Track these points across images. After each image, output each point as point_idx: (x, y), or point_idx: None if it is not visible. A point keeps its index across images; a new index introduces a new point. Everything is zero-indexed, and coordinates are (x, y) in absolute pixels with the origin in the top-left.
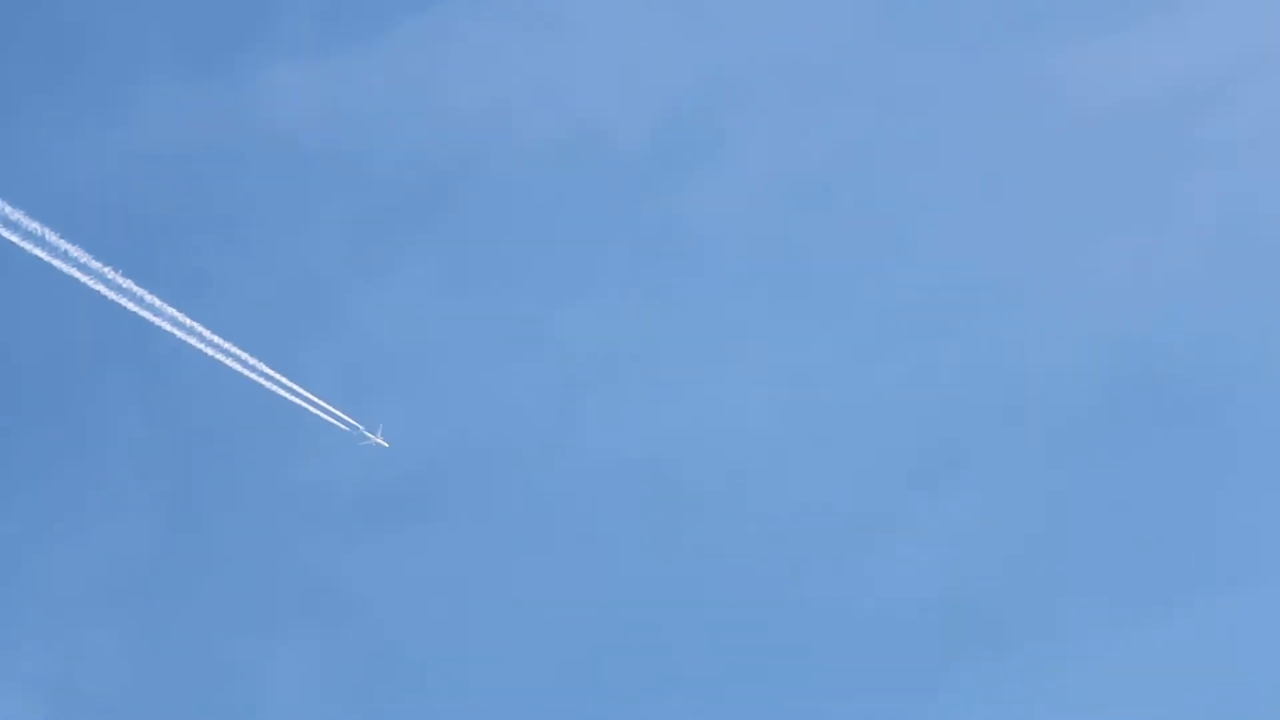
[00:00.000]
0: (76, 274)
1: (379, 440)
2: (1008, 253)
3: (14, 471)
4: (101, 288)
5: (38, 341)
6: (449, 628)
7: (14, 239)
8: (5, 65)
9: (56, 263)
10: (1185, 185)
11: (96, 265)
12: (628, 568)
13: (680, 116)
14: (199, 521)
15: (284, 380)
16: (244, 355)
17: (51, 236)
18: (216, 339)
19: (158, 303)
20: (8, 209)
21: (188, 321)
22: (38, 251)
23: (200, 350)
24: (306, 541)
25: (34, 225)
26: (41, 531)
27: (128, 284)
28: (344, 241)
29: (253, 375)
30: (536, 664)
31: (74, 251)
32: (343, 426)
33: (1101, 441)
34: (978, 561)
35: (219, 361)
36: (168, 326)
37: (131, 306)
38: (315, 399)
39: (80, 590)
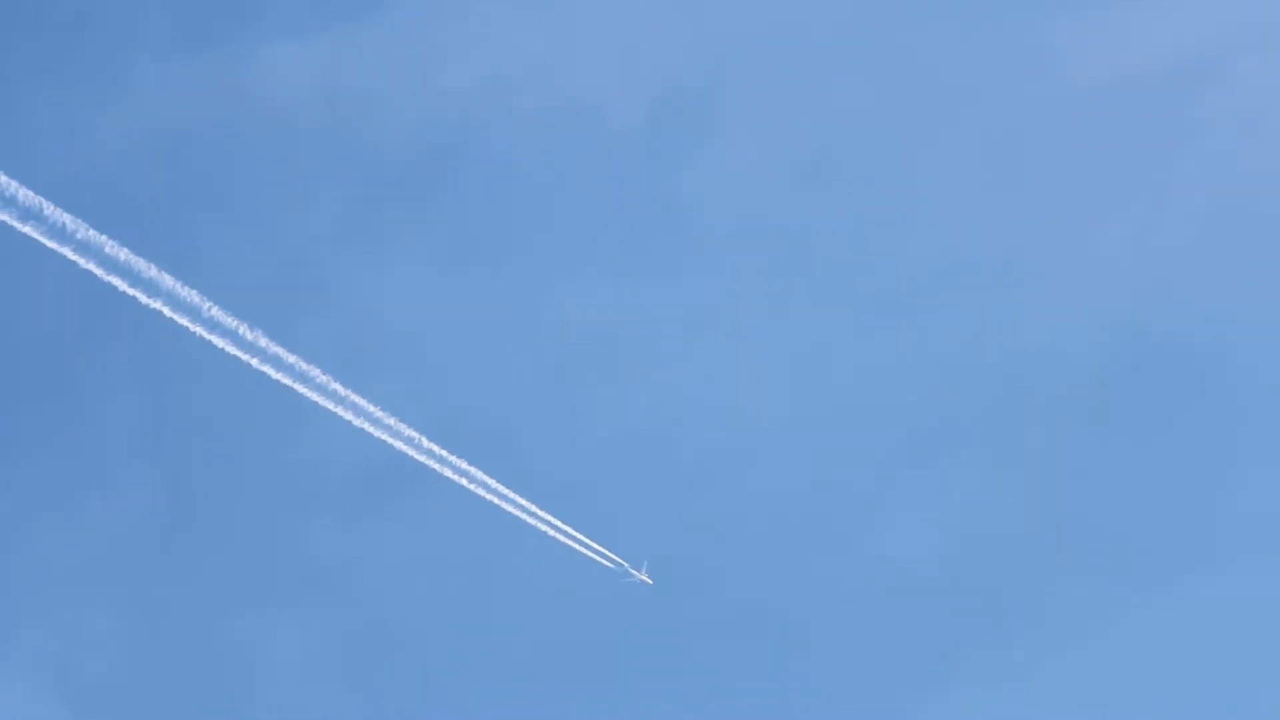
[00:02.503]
0: (68, 253)
1: (643, 577)
2: (1005, 229)
3: (11, 452)
4: (93, 266)
5: (33, 320)
6: (446, 606)
7: (10, 216)
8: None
9: (52, 243)
10: (1183, 160)
11: (94, 237)
12: (625, 545)
13: (676, 93)
14: (196, 501)
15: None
16: (248, 336)
17: (48, 210)
18: (216, 314)
19: (154, 273)
20: (4, 182)
21: (184, 293)
22: (31, 228)
23: (201, 328)
24: (304, 520)
25: (30, 201)
26: (38, 513)
27: (125, 254)
28: (340, 219)
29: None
30: (534, 642)
31: (70, 226)
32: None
33: (1099, 419)
34: (976, 540)
35: (221, 339)
36: (160, 305)
37: (124, 286)
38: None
39: (78, 571)
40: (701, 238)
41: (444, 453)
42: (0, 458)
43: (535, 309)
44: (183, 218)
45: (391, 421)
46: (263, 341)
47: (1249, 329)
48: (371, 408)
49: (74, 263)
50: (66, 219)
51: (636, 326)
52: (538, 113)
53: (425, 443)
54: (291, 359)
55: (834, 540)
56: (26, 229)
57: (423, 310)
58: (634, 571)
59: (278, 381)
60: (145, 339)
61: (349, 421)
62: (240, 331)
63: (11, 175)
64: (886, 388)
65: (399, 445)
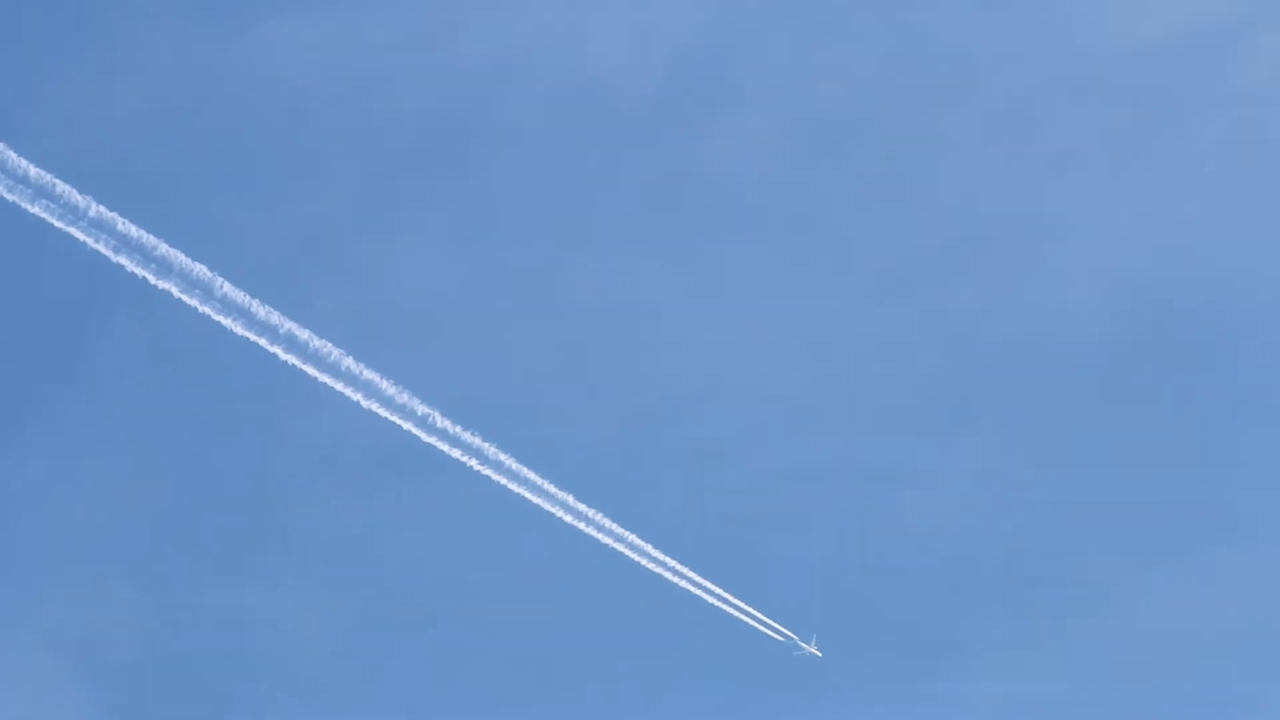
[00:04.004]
0: (77, 232)
1: (813, 650)
2: (1022, 197)
3: (24, 433)
4: (102, 246)
5: (47, 299)
6: (463, 586)
7: (21, 192)
8: (6, 19)
9: (58, 223)
10: (1201, 129)
11: (104, 214)
12: (641, 519)
13: (692, 63)
14: (212, 480)
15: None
16: (261, 314)
17: (61, 187)
18: (229, 291)
19: (164, 250)
20: (15, 160)
21: (195, 271)
22: (40, 208)
23: (213, 306)
24: (321, 499)
25: (40, 179)
26: (54, 488)
27: (135, 232)
28: (353, 196)
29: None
30: (548, 617)
31: (81, 202)
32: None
33: (1117, 388)
34: (992, 511)
35: (235, 318)
36: (171, 284)
37: (133, 266)
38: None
39: (91, 551)
40: (718, 208)
41: (459, 430)
42: (13, 438)
43: (551, 283)
44: (193, 196)
45: (406, 399)
46: (275, 318)
47: (1266, 299)
48: (386, 385)
49: (83, 242)
50: (76, 197)
51: (654, 298)
52: (552, 84)
53: (440, 420)
54: (305, 335)
55: (852, 512)
56: (36, 209)
57: (439, 283)
58: (804, 645)
59: (292, 359)
60: (158, 318)
61: (364, 399)
62: (254, 309)
63: (23, 151)
64: (905, 356)
65: (414, 424)
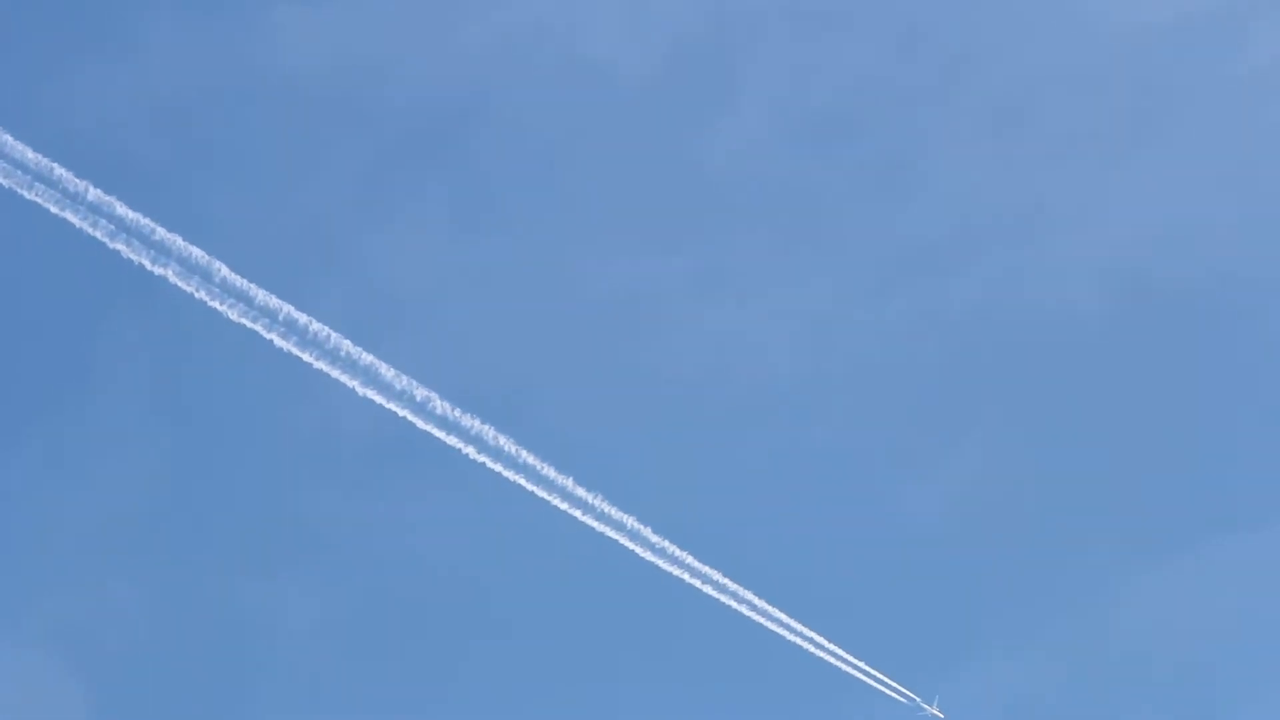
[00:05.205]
0: (72, 217)
1: (935, 711)
2: (1023, 186)
3: (22, 424)
4: (99, 231)
5: (44, 282)
6: (465, 575)
7: (19, 177)
8: (5, 4)
9: (54, 208)
10: (1202, 115)
11: (102, 198)
12: (642, 511)
13: (692, 53)
14: (211, 470)
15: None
16: (261, 301)
17: (60, 172)
18: (228, 277)
19: (162, 236)
20: (12, 144)
21: (195, 258)
22: (37, 194)
23: (212, 293)
24: (321, 489)
25: (38, 163)
26: (50, 479)
27: (133, 217)
28: (353, 183)
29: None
30: (548, 611)
31: (79, 187)
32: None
33: (1117, 379)
34: (991, 501)
35: (234, 306)
36: (169, 271)
37: (129, 252)
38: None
39: (92, 541)
40: (718, 199)
41: (460, 419)
42: (7, 427)
43: (550, 271)
44: (191, 182)
45: (404, 386)
46: (274, 303)
47: (1270, 288)
48: (387, 374)
49: (80, 229)
50: (74, 182)
51: (653, 288)
52: (552, 75)
53: (441, 410)
54: (304, 319)
55: (850, 502)
56: (32, 195)
57: (439, 273)
58: (925, 706)
59: (292, 348)
60: (155, 304)
61: (364, 389)
62: (253, 295)
63: (22, 138)
64: (903, 348)
65: (415, 413)
